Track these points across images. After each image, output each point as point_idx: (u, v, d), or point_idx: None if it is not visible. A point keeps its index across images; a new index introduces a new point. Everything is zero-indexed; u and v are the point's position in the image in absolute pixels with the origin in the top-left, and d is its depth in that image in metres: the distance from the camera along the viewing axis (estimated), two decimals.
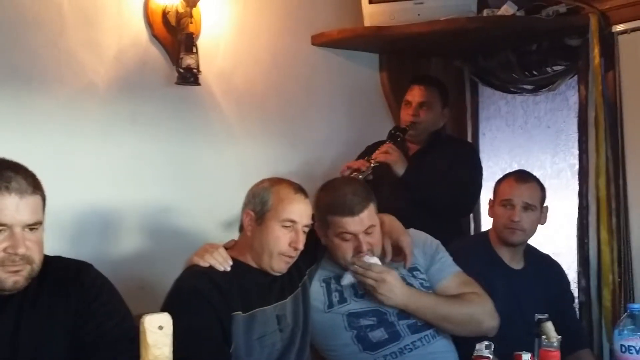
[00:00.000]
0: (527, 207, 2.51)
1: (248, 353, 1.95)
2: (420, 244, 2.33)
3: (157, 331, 1.18)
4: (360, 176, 2.71)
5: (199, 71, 2.82)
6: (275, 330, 2.03)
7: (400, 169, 2.83)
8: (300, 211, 2.04)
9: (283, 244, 2.02)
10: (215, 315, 1.91)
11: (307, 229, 2.07)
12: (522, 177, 2.58)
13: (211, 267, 2.00)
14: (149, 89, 2.83)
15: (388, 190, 2.85)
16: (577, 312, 2.84)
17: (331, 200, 2.20)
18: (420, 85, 3.04)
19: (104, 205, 2.72)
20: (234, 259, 2.05)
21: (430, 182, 2.81)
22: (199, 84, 2.85)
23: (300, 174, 3.30)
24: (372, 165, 2.77)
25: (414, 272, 2.28)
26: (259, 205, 2.03)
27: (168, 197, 2.85)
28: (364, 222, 2.16)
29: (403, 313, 2.18)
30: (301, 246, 2.03)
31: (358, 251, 2.16)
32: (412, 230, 2.35)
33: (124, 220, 2.76)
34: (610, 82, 2.86)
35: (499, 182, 2.64)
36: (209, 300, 1.92)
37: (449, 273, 2.30)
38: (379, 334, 2.17)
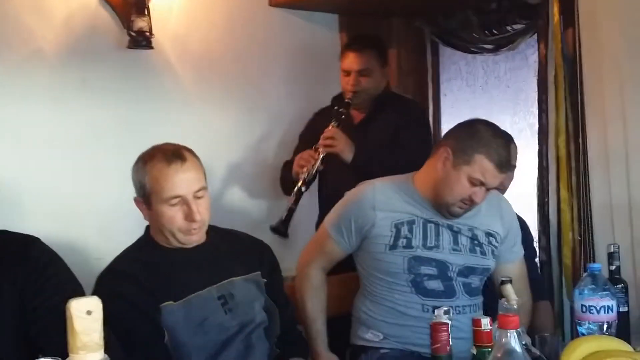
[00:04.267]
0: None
1: (191, 339, 1.88)
2: (508, 217, 2.35)
3: (86, 317, 1.10)
4: (312, 172, 2.77)
5: (151, 34, 2.75)
6: (219, 311, 1.92)
7: (347, 155, 2.79)
8: (181, 182, 1.87)
9: (178, 221, 1.89)
10: (140, 313, 1.84)
11: (201, 193, 1.90)
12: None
13: (131, 260, 1.92)
14: (99, 54, 2.75)
15: (335, 168, 2.83)
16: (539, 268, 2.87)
17: (494, 143, 2.10)
18: (355, 52, 2.92)
19: (55, 175, 2.66)
20: (154, 244, 1.97)
21: (378, 159, 2.77)
22: (152, 48, 2.77)
23: (260, 137, 3.27)
24: (321, 156, 2.78)
25: (490, 238, 2.27)
26: (140, 191, 1.91)
27: (123, 166, 2.74)
28: (499, 181, 2.15)
29: (463, 271, 2.19)
30: (198, 217, 1.89)
31: (471, 200, 2.13)
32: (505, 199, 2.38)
33: (76, 191, 2.70)
34: (569, 40, 2.84)
35: None
36: (129, 301, 1.83)
37: (517, 257, 2.36)
38: (434, 284, 2.17)
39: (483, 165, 2.09)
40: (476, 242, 2.24)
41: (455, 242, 2.21)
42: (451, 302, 2.14)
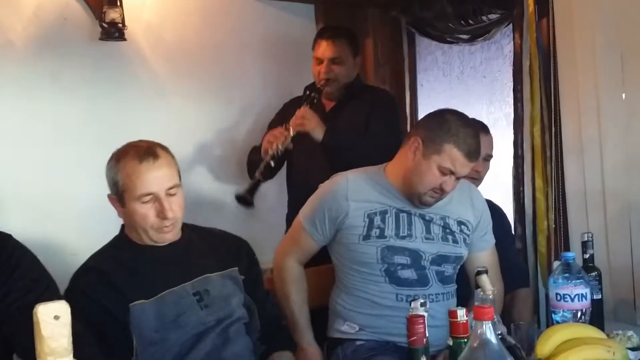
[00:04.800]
0: (486, 158, 2.58)
1: (165, 336, 1.86)
2: (479, 205, 2.35)
3: (53, 321, 1.06)
4: (281, 147, 2.73)
5: (124, 26, 2.71)
6: (194, 307, 1.91)
7: (318, 134, 2.79)
8: (153, 180, 1.86)
9: (151, 218, 1.88)
10: (107, 316, 1.83)
11: (174, 190, 1.90)
12: (483, 129, 2.59)
13: (105, 258, 1.92)
14: (71, 46, 2.72)
15: (303, 158, 2.83)
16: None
17: (463, 133, 2.11)
18: (328, 40, 2.94)
19: (27, 170, 2.62)
20: (129, 242, 1.96)
21: (348, 142, 2.78)
22: (124, 39, 2.74)
23: (237, 128, 3.25)
24: (291, 135, 2.76)
25: (462, 227, 2.28)
26: (114, 188, 1.90)
27: (96, 159, 2.71)
28: (469, 170, 2.17)
29: (435, 260, 2.20)
30: (170, 214, 1.88)
31: (441, 189, 2.14)
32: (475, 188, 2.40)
33: (50, 186, 2.66)
34: (544, 30, 2.85)
35: None
36: (96, 300, 1.82)
37: (489, 246, 2.37)
38: (408, 274, 2.18)
39: (452, 155, 2.11)
40: (448, 230, 2.26)
41: (428, 231, 2.23)
42: (425, 290, 2.16)
